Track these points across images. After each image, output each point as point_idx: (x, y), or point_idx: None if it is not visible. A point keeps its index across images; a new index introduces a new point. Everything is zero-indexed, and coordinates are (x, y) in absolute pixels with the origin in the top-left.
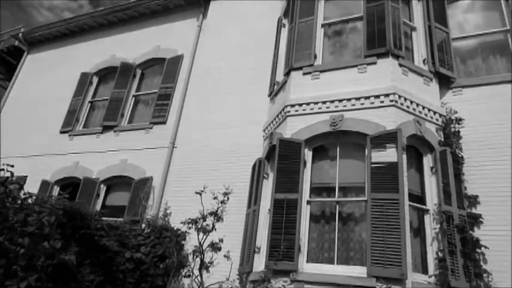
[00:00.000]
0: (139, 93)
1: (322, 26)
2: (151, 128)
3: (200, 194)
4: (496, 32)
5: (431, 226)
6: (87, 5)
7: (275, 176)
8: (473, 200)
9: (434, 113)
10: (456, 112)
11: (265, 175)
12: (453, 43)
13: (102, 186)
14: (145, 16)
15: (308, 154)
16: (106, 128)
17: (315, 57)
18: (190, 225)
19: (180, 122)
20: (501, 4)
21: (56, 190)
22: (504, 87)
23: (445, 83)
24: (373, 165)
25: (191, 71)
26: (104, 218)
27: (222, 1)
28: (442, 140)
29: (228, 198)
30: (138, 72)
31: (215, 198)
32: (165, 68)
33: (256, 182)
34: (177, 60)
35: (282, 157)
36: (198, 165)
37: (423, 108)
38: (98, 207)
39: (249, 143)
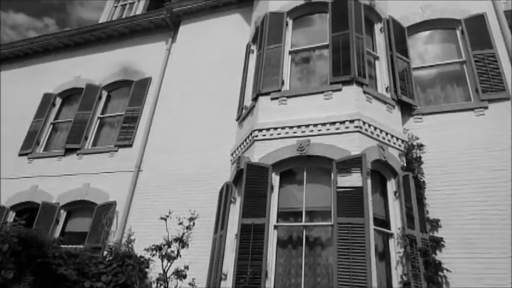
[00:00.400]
0: (104, 115)
1: (290, 53)
2: (116, 151)
3: (165, 220)
4: (453, 62)
5: (395, 250)
6: (53, 25)
7: (242, 200)
8: (435, 224)
9: (397, 139)
10: (417, 138)
11: (232, 200)
12: (414, 72)
13: (62, 211)
14: (113, 38)
15: (275, 178)
16: (68, 151)
17: (283, 83)
18: (154, 252)
19: (147, 145)
20: (457, 36)
21: (11, 216)
22: (461, 115)
23: (407, 110)
24: (339, 190)
25: (159, 93)
26: (63, 246)
27: (192, 25)
28: (405, 165)
29: (193, 224)
30: (104, 94)
31: (180, 223)
32: (132, 90)
33: (224, 207)
34: (144, 82)
35: (250, 181)
36: (164, 190)
37: (386, 134)
38: (57, 234)
39: (217, 167)
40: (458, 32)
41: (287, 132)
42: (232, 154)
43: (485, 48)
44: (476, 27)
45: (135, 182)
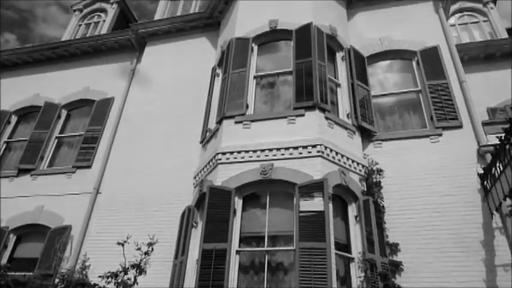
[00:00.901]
0: (63, 135)
1: (255, 77)
2: (74, 172)
3: (122, 245)
4: (409, 91)
5: (356, 274)
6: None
7: (204, 224)
8: (394, 248)
9: (358, 164)
10: (377, 163)
11: (194, 224)
12: (373, 100)
13: (11, 236)
14: (76, 56)
15: (238, 202)
16: (22, 172)
17: (247, 106)
18: (109, 279)
19: (107, 167)
20: (413, 67)
21: None
22: (417, 142)
23: (367, 136)
24: (301, 214)
25: (121, 114)
26: (10, 273)
27: (158, 46)
28: (365, 189)
29: (152, 249)
30: (64, 113)
31: (138, 249)
32: (94, 110)
33: (185, 231)
34: (106, 102)
35: (212, 205)
36: (123, 214)
37: (347, 159)
38: (5, 260)
39: (179, 191)
40: (414, 63)
41: (250, 156)
42: (195, 177)
43: (438, 79)
44: (431, 58)
45: (93, 204)
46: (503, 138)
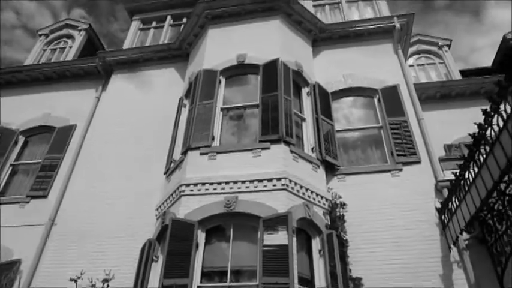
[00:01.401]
0: (18, 162)
1: (222, 109)
2: (27, 202)
3: (75, 281)
4: (372, 127)
5: None
6: None
7: (165, 259)
8: (357, 282)
9: (322, 197)
10: (340, 197)
11: (154, 258)
12: (337, 134)
13: None
14: (38, 81)
15: (201, 236)
16: None
17: (213, 138)
18: None
19: (64, 197)
20: (375, 104)
21: None
22: (379, 176)
23: (331, 170)
24: (265, 248)
25: (83, 142)
26: None
27: (125, 75)
28: (329, 223)
29: (108, 286)
30: (21, 139)
31: (93, 285)
32: (54, 137)
33: (144, 266)
34: (68, 130)
35: (174, 238)
36: (80, 246)
37: (312, 192)
38: None
39: (140, 223)
40: (375, 100)
41: (215, 188)
42: (157, 209)
43: (398, 116)
44: (391, 96)
45: (47, 237)
46: (458, 174)
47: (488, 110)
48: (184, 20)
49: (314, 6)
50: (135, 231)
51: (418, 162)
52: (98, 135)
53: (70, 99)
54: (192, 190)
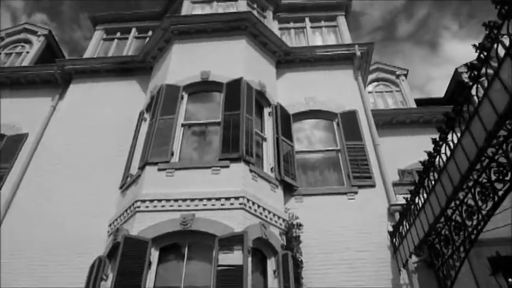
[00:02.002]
0: None
1: (183, 125)
2: None
3: None
4: (330, 150)
5: None
6: None
7: (115, 278)
8: None
9: (279, 217)
10: (297, 218)
11: (104, 277)
12: (297, 155)
13: None
14: None
15: (154, 254)
16: None
17: (172, 154)
18: None
19: (10, 209)
20: (334, 127)
21: None
22: (335, 198)
23: (289, 190)
24: (219, 268)
25: (34, 152)
26: None
27: (84, 85)
28: (285, 243)
29: None
30: None
31: None
32: (3, 145)
33: (93, 285)
34: (18, 139)
35: (125, 256)
36: (24, 264)
37: (269, 212)
38: None
39: (91, 239)
40: (335, 124)
41: (171, 205)
42: (110, 225)
43: (356, 140)
44: (350, 121)
45: None
46: (409, 199)
47: (437, 139)
48: (150, 33)
49: (280, 29)
50: (84, 247)
51: (373, 186)
52: (51, 145)
53: (24, 106)
54: (147, 206)
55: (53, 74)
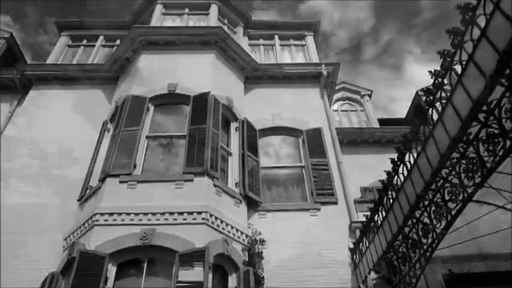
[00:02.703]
0: None
1: (147, 137)
2: None
3: None
4: (295, 166)
5: None
6: None
7: None
8: None
9: (242, 233)
10: (260, 233)
11: None
12: (262, 171)
13: None
14: None
15: (112, 270)
16: None
17: (135, 166)
18: None
19: None
20: (299, 144)
21: None
22: (299, 214)
23: (253, 206)
24: (178, 285)
25: None
26: None
27: (45, 91)
28: (247, 259)
29: None
30: None
31: None
32: None
33: None
34: None
35: (80, 272)
36: None
37: (232, 228)
38: None
39: (46, 254)
40: (300, 140)
41: (132, 219)
42: (65, 239)
43: (320, 157)
44: (314, 138)
45: None
46: (369, 217)
47: (395, 159)
48: (118, 42)
49: (250, 45)
50: (36, 263)
51: (335, 203)
52: (6, 153)
53: None
54: (106, 220)
55: (12, 79)
